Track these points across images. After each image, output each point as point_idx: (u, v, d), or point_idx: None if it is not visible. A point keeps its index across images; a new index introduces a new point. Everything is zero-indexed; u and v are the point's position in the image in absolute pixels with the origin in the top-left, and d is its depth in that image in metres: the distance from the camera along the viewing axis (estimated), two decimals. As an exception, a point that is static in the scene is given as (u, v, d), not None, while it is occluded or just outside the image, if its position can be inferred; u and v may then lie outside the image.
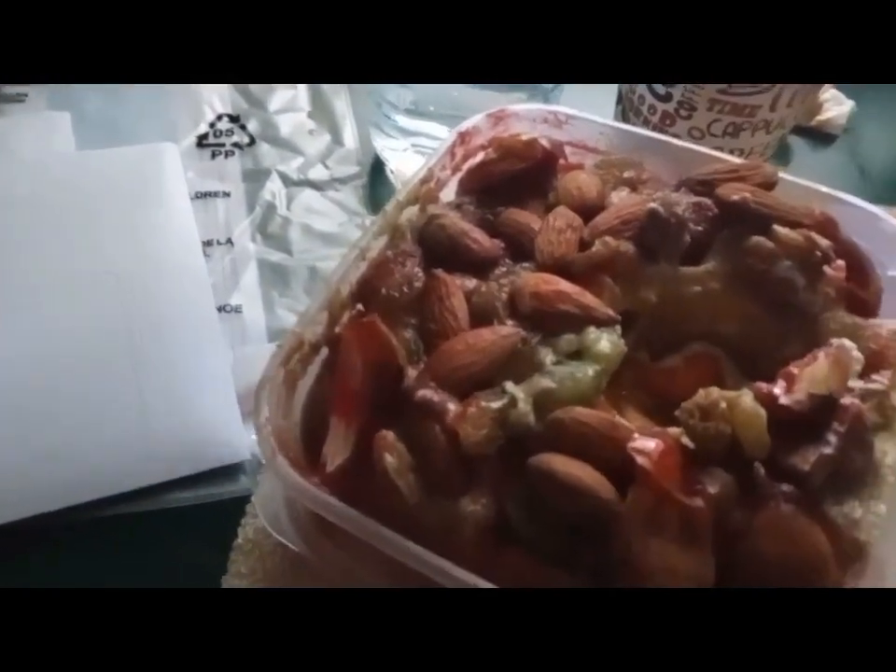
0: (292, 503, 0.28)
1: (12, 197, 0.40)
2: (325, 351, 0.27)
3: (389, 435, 0.23)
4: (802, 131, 0.55)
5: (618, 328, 0.25)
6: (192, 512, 0.32)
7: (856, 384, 0.25)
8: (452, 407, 0.23)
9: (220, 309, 0.39)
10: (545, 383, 0.23)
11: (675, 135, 0.42)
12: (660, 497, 0.21)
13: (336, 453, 0.25)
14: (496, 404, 0.22)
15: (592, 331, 0.24)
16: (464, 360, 0.23)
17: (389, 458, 0.22)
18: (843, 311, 0.28)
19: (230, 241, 0.42)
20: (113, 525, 0.32)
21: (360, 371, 0.25)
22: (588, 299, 0.25)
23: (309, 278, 0.41)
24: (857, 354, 0.26)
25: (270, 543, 0.29)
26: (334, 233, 0.44)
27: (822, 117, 0.55)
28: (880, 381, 0.26)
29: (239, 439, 0.34)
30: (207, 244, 0.41)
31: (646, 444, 0.22)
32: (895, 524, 0.23)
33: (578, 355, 0.24)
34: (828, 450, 0.22)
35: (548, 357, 0.24)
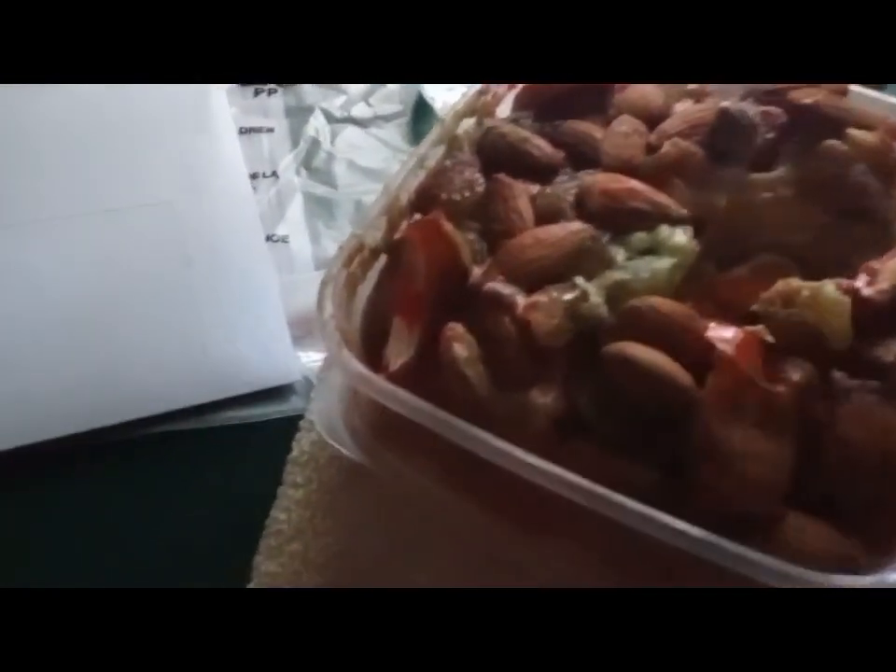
0: (350, 413, 0.28)
1: (65, 127, 0.40)
2: (384, 258, 0.27)
3: (458, 327, 0.22)
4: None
5: (690, 227, 0.24)
6: (247, 430, 0.32)
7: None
8: (521, 300, 0.22)
9: (268, 238, 0.38)
10: (619, 275, 0.22)
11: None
12: (741, 383, 0.20)
13: (399, 353, 0.24)
14: (568, 296, 0.22)
15: (665, 228, 0.24)
16: (533, 254, 0.23)
17: (459, 348, 0.22)
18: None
19: (275, 174, 0.41)
20: (170, 442, 0.32)
21: (424, 270, 0.24)
22: (660, 197, 0.25)
23: (354, 211, 0.41)
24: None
25: (325, 455, 0.29)
26: (378, 169, 0.43)
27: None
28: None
29: (290, 361, 0.34)
30: (253, 176, 0.41)
31: (725, 333, 0.21)
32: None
33: (650, 252, 0.23)
34: (913, 345, 0.21)
35: (619, 254, 0.23)
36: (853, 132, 0.26)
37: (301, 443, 0.30)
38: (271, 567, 0.27)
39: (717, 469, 0.20)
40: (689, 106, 0.29)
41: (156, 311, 0.34)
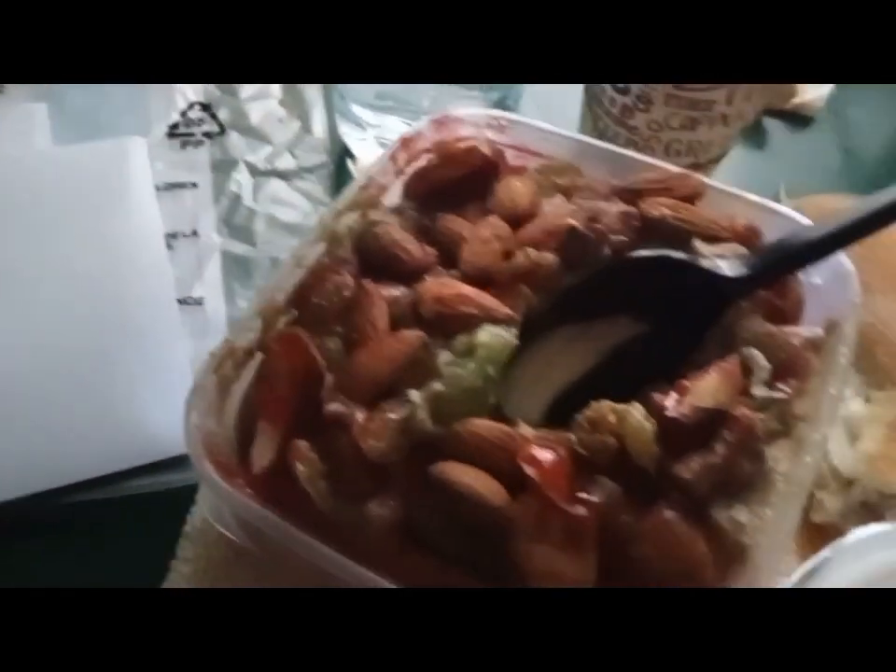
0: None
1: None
2: (258, 356, 0.29)
3: (302, 444, 0.25)
4: (778, 114, 0.55)
5: (512, 326, 0.26)
6: (147, 499, 0.34)
7: (760, 391, 0.27)
8: (359, 417, 0.24)
9: (182, 301, 0.40)
10: (437, 386, 0.24)
11: (633, 127, 0.43)
12: (545, 506, 0.22)
13: (262, 455, 0.26)
14: (396, 415, 0.24)
15: (484, 328, 0.26)
16: (369, 370, 0.25)
17: (301, 467, 0.24)
18: (759, 319, 0.29)
19: (195, 232, 0.43)
20: (71, 513, 0.33)
21: (285, 378, 0.26)
22: (487, 300, 0.27)
23: (271, 269, 0.42)
24: (763, 362, 0.27)
25: (215, 532, 0.31)
26: (298, 224, 0.45)
27: (798, 100, 0.55)
28: (784, 390, 0.27)
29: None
30: (172, 236, 0.42)
31: (539, 454, 0.23)
32: (779, 527, 0.24)
33: (469, 353, 0.25)
34: (713, 459, 0.24)
35: (446, 357, 0.25)
36: (699, 245, 0.28)
37: (195, 518, 0.32)
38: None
39: (524, 584, 0.22)
40: (554, 207, 0.31)
41: (63, 379, 0.35)
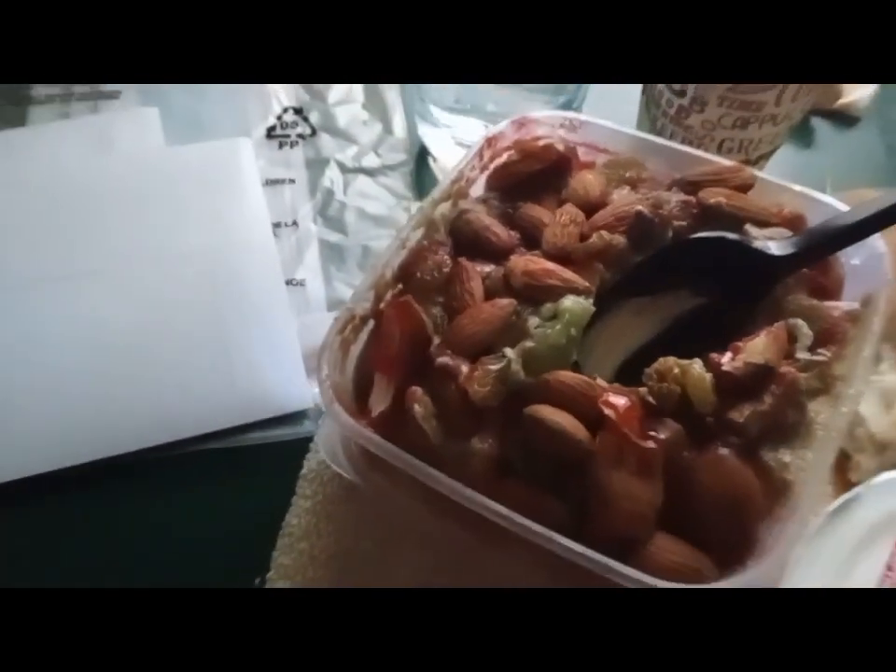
0: (347, 441, 0.35)
1: (113, 186, 0.48)
2: (371, 323, 0.34)
3: (418, 390, 0.30)
4: (825, 113, 0.58)
5: (589, 295, 0.31)
6: (267, 449, 0.40)
7: (803, 355, 0.31)
8: (464, 369, 0.29)
9: (288, 282, 0.46)
10: (528, 344, 0.29)
11: (689, 127, 0.47)
12: (621, 440, 0.27)
13: (379, 403, 0.32)
14: (495, 366, 0.29)
15: (566, 297, 0.31)
16: (471, 331, 0.30)
17: (417, 408, 0.29)
18: (804, 294, 0.33)
19: (295, 223, 0.49)
20: (203, 460, 0.39)
21: (398, 339, 0.31)
22: (567, 274, 0.32)
23: (362, 255, 0.48)
24: (806, 331, 0.31)
25: (329, 473, 0.37)
26: (384, 216, 0.50)
27: (844, 100, 0.58)
28: (824, 353, 0.31)
29: (303, 391, 0.41)
30: (276, 225, 0.48)
31: (615, 399, 0.28)
32: (818, 467, 0.28)
33: (554, 318, 0.30)
34: (762, 407, 0.28)
35: (534, 322, 0.30)
36: (750, 229, 0.33)
37: (311, 462, 0.38)
38: (284, 561, 0.35)
39: (603, 504, 0.27)
40: (622, 196, 0.36)
41: (191, 348, 0.41)
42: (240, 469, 0.39)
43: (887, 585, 0.26)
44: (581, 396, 0.28)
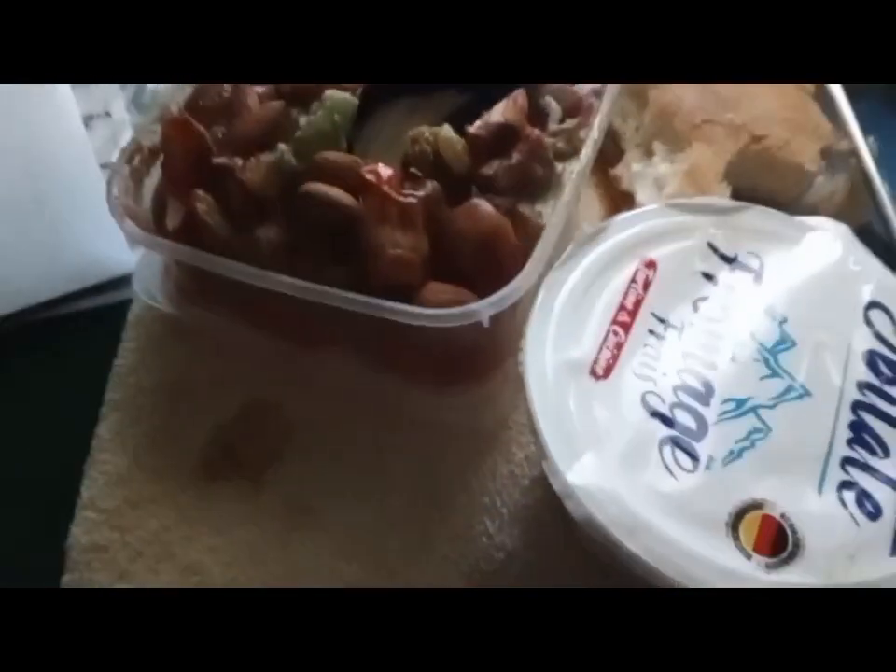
0: (162, 280, 0.37)
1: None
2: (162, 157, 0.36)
3: (199, 192, 0.32)
4: None
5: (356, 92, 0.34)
6: (93, 315, 0.41)
7: (554, 126, 0.35)
8: (240, 163, 0.32)
9: (103, 166, 0.46)
10: (298, 134, 0.32)
11: None
12: (384, 199, 0.30)
13: (174, 218, 0.34)
14: (270, 157, 0.31)
15: (329, 92, 0.33)
16: (243, 130, 0.33)
17: (200, 206, 0.32)
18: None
19: (108, 113, 0.50)
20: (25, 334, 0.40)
21: (181, 156, 0.33)
22: None
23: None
24: (555, 105, 0.35)
25: (151, 314, 0.38)
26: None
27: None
28: (572, 122, 0.35)
29: (125, 256, 0.42)
30: (88, 117, 0.49)
31: (377, 168, 0.31)
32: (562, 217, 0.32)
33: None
34: (510, 162, 0.32)
35: (303, 120, 0.33)
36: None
37: (135, 308, 0.39)
38: (114, 396, 0.37)
39: (375, 256, 0.30)
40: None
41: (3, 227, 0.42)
42: (67, 337, 0.40)
43: (628, 300, 0.30)
44: (346, 170, 0.31)
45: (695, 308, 0.31)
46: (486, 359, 0.34)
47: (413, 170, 0.31)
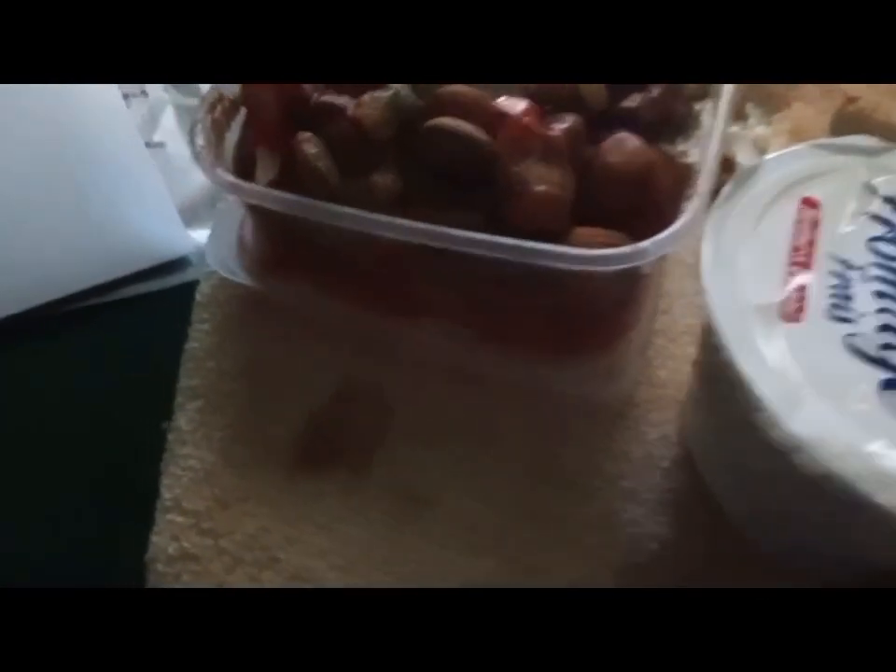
0: (240, 251, 0.33)
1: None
2: (243, 111, 0.32)
3: (306, 133, 0.28)
4: None
5: None
6: (151, 299, 0.36)
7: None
8: (351, 104, 0.28)
9: (146, 145, 0.42)
10: None
11: None
12: (523, 133, 0.26)
13: (266, 174, 0.29)
14: (383, 94, 0.28)
15: None
16: None
17: (308, 147, 0.27)
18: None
19: (144, 92, 0.45)
20: (81, 319, 0.36)
21: (274, 103, 0.29)
22: None
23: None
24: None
25: (225, 294, 0.34)
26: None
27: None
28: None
29: (181, 237, 0.38)
30: (125, 96, 0.45)
31: (511, 103, 0.27)
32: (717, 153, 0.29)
33: None
34: (652, 95, 0.28)
35: None
36: None
37: (203, 288, 0.35)
38: (191, 383, 0.32)
39: (518, 195, 0.26)
40: None
41: (50, 209, 0.38)
42: (127, 321, 0.36)
43: (799, 240, 0.27)
44: (475, 105, 0.27)
45: (871, 248, 0.27)
46: (614, 324, 0.31)
47: (546, 107, 0.28)
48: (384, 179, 0.28)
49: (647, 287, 0.30)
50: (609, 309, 0.29)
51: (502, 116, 0.27)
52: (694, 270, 0.26)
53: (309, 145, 0.27)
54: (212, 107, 0.30)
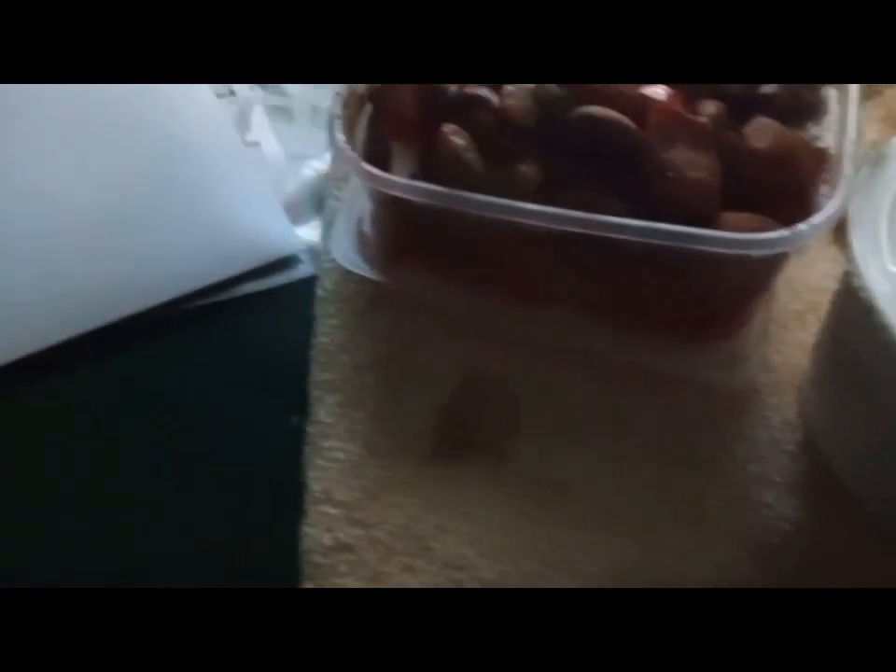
0: (362, 244, 0.34)
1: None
2: (369, 108, 0.32)
3: (452, 126, 0.28)
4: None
5: None
6: (266, 297, 0.37)
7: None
8: (494, 96, 0.28)
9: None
10: None
11: None
12: (672, 119, 0.27)
13: (402, 169, 0.30)
14: (530, 84, 0.28)
15: None
16: None
17: (457, 139, 0.28)
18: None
19: (232, 92, 0.46)
20: (196, 318, 0.36)
21: (411, 97, 0.30)
22: None
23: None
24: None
25: (348, 290, 0.34)
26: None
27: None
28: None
29: (289, 234, 0.39)
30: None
31: (655, 88, 0.28)
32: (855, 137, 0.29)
33: None
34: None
35: None
36: None
37: (325, 284, 0.35)
38: (326, 377, 0.32)
39: (668, 180, 0.27)
40: None
41: (159, 211, 0.38)
42: (246, 319, 0.36)
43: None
44: (619, 93, 0.28)
45: None
46: (747, 308, 0.31)
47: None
48: (528, 168, 0.28)
49: (781, 271, 0.30)
50: (747, 293, 0.30)
51: (647, 102, 0.27)
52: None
53: (456, 136, 0.28)
54: (347, 102, 0.30)
